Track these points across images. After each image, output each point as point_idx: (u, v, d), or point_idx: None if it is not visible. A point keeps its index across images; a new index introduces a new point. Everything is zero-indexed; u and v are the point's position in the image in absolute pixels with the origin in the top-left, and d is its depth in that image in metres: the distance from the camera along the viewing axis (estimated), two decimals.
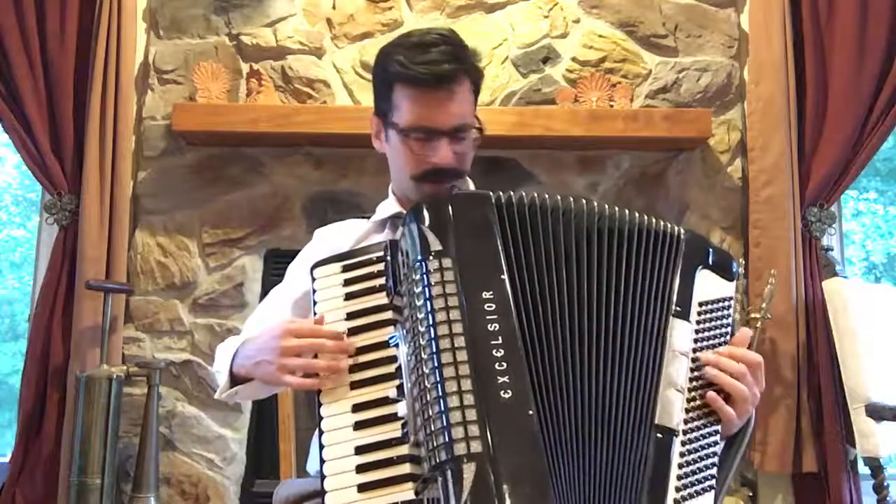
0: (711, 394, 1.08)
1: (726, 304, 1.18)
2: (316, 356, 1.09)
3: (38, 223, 2.79)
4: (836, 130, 2.57)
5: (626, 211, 1.15)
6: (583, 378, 1.02)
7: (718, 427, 1.08)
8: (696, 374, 1.09)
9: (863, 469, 2.45)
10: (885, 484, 2.25)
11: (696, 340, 1.11)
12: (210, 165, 2.64)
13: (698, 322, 1.13)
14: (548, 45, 2.70)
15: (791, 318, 2.50)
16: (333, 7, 2.70)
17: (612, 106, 2.57)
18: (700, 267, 1.17)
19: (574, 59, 2.69)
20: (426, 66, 1.28)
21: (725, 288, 1.19)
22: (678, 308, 1.11)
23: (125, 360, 2.54)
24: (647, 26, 2.71)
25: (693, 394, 1.08)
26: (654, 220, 1.16)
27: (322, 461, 1.02)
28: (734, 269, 1.22)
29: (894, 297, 2.55)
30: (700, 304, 1.14)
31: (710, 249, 1.21)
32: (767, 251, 2.55)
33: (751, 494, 2.51)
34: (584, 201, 1.14)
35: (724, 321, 1.17)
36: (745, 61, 2.70)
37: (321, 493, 1.00)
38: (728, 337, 1.16)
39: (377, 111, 1.39)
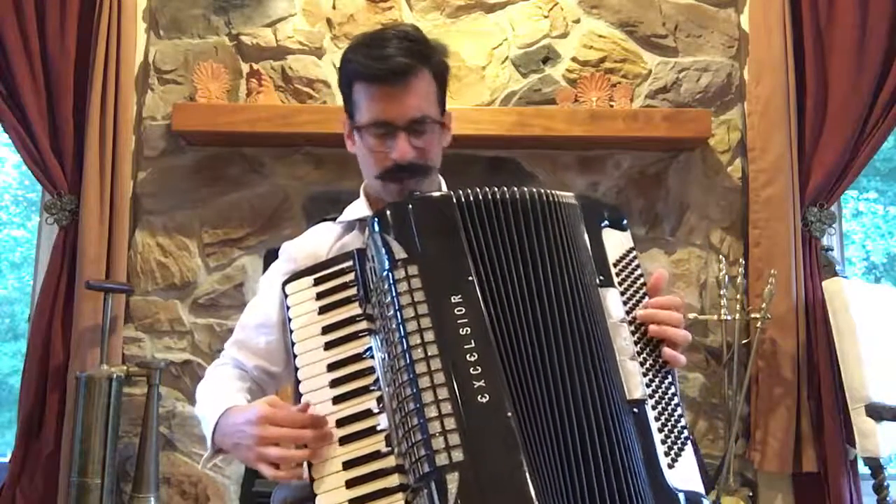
0: (667, 350, 1.09)
1: (632, 255, 1.19)
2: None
3: (38, 223, 2.79)
4: (836, 130, 2.57)
5: (526, 189, 1.13)
6: (553, 370, 1.02)
7: (671, 376, 1.09)
8: (636, 334, 1.10)
9: (863, 469, 2.45)
10: (885, 484, 2.25)
11: (624, 302, 1.11)
12: (210, 165, 2.64)
13: (620, 283, 1.13)
14: (548, 45, 2.70)
15: (791, 318, 2.50)
16: (333, 7, 2.70)
17: (612, 106, 2.57)
18: (603, 226, 1.18)
19: (574, 59, 2.69)
20: (380, 62, 1.26)
21: (626, 240, 1.20)
22: (601, 277, 1.11)
23: (125, 360, 2.54)
24: (647, 26, 2.71)
25: (643, 354, 1.08)
26: (547, 193, 1.14)
27: (312, 479, 1.03)
28: (625, 222, 1.22)
29: (894, 297, 2.55)
30: (615, 265, 1.15)
31: (603, 207, 1.21)
32: (767, 251, 2.55)
33: (751, 494, 2.50)
34: (525, 190, 1.13)
35: (637, 272, 1.17)
36: (745, 61, 2.70)
37: None
38: (644, 286, 1.16)
39: (346, 112, 1.38)
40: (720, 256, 2.59)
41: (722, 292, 2.50)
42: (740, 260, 2.56)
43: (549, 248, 1.09)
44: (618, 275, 1.14)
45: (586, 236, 1.14)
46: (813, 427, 2.49)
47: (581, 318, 1.06)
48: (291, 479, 1.05)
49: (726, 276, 2.52)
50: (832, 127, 2.58)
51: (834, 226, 2.65)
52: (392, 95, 1.27)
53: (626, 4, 2.71)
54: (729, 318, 2.49)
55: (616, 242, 1.18)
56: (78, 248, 2.49)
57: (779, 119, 2.55)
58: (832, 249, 2.59)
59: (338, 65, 2.68)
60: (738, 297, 2.49)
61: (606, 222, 1.18)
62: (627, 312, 1.10)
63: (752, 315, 2.48)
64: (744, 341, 2.50)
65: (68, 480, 2.33)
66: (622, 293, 1.12)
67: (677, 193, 2.66)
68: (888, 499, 2.24)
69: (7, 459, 2.53)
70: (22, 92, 2.53)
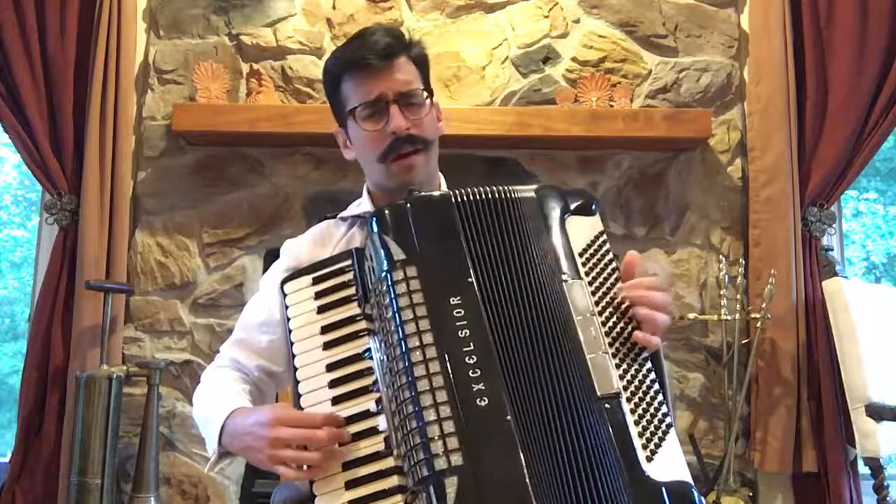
0: (638, 334, 1.05)
1: (602, 239, 1.16)
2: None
3: (38, 223, 2.79)
4: (836, 130, 2.57)
5: (487, 188, 1.13)
6: (545, 372, 1.00)
7: (645, 355, 1.05)
8: (608, 325, 1.06)
9: (863, 469, 2.45)
10: (885, 484, 2.24)
11: (593, 292, 1.08)
12: (210, 165, 2.64)
13: (587, 273, 1.10)
14: (548, 45, 2.70)
15: (791, 318, 2.50)
16: (333, 7, 2.70)
17: (612, 106, 2.57)
18: (567, 216, 1.15)
19: (574, 59, 2.69)
20: (365, 48, 1.30)
21: (594, 225, 1.17)
22: (566, 272, 1.08)
23: (125, 360, 2.54)
24: (647, 26, 2.71)
25: (616, 345, 1.05)
26: (504, 189, 1.14)
27: (311, 481, 1.02)
28: (594, 206, 1.19)
29: (894, 297, 2.55)
30: (581, 255, 1.12)
31: (567, 195, 1.18)
32: (767, 251, 2.55)
33: (751, 494, 2.50)
34: (512, 189, 1.13)
35: (608, 256, 1.14)
36: (745, 61, 2.70)
37: None
38: (616, 270, 1.13)
39: (338, 122, 1.40)
40: (720, 256, 2.59)
41: (722, 292, 2.50)
42: (740, 260, 2.56)
43: (524, 247, 1.09)
44: (585, 264, 1.11)
45: (554, 229, 1.13)
46: (813, 427, 2.49)
47: (551, 316, 1.04)
48: (309, 478, 1.03)
49: (726, 276, 2.52)
50: (832, 127, 2.58)
51: (834, 226, 2.65)
52: (379, 74, 1.30)
53: (626, 4, 2.71)
54: (729, 318, 2.49)
55: (583, 230, 1.15)
56: (78, 248, 2.49)
57: (779, 119, 2.55)
58: (832, 249, 2.59)
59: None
60: (738, 297, 2.48)
61: (570, 211, 1.16)
62: (597, 302, 1.07)
63: (752, 315, 2.48)
64: (744, 341, 2.50)
65: (68, 480, 2.33)
66: (591, 282, 1.09)
67: (677, 193, 2.66)
68: (888, 499, 2.23)
69: (7, 459, 2.53)
70: (22, 92, 2.53)
